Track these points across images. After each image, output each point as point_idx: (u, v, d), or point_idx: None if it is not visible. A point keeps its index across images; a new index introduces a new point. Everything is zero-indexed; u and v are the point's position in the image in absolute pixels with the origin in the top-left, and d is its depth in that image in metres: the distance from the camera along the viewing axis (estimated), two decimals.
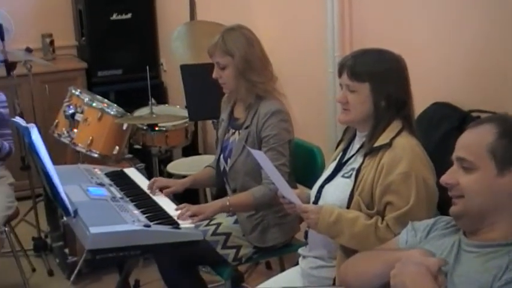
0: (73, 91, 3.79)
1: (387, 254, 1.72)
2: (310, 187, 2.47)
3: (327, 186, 2.25)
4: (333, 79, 3.09)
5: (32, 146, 2.51)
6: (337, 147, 2.37)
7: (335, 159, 2.32)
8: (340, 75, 2.17)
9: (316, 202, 2.27)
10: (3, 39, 3.85)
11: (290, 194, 2.23)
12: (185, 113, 4.06)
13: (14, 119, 2.72)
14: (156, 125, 3.71)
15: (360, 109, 2.15)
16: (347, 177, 2.20)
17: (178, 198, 2.84)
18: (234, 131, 2.81)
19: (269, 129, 2.65)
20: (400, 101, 2.14)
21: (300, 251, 2.42)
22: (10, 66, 3.84)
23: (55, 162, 2.46)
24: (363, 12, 3.00)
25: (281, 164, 2.61)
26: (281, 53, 3.32)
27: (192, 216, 2.52)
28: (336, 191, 2.20)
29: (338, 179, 2.23)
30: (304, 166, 2.86)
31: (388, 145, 2.09)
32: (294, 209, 2.25)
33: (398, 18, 2.82)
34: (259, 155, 2.26)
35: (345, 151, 2.30)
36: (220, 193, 2.92)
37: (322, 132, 3.25)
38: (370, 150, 2.13)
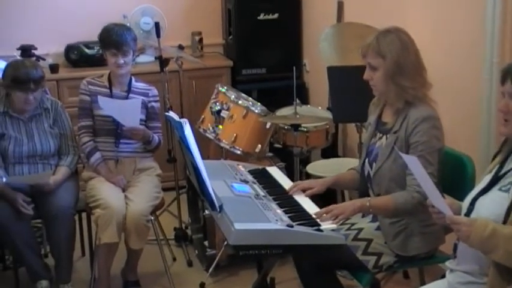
0: (220, 88, 3.88)
1: None
2: (458, 197, 2.36)
3: (481, 199, 2.15)
4: (489, 86, 2.94)
5: (183, 140, 2.60)
6: (493, 159, 2.25)
7: (491, 171, 2.20)
8: (503, 82, 2.06)
9: (468, 214, 2.17)
10: (159, 37, 4.02)
11: (441, 203, 2.14)
12: (327, 114, 4.04)
13: (167, 113, 2.83)
14: (299, 125, 3.72)
15: None
16: (504, 191, 2.08)
17: (316, 197, 2.82)
18: (381, 135, 2.75)
19: (419, 136, 2.57)
20: None
21: (448, 264, 2.33)
22: (163, 62, 4.00)
23: None
24: None
25: (428, 173, 2.50)
26: (432, 57, 3.20)
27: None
28: (491, 205, 2.10)
29: (494, 192, 2.12)
30: (452, 175, 2.75)
31: None
32: (443, 219, 2.16)
33: None
34: (411, 161, 2.19)
35: (502, 163, 2.17)
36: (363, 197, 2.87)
37: (473, 141, 3.11)
38: None
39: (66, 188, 3.47)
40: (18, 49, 4.48)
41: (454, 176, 2.75)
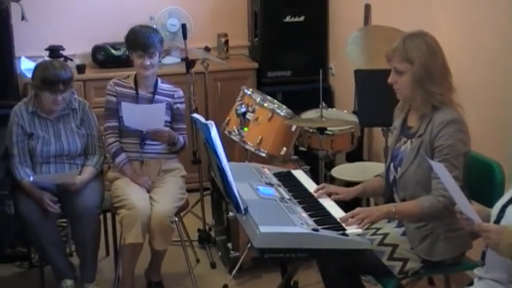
0: (245, 91, 3.89)
1: None
2: (487, 204, 2.33)
3: (511, 207, 2.11)
4: None
5: (209, 142, 2.60)
6: None
7: None
8: None
9: (497, 222, 2.14)
10: (185, 38, 4.03)
11: (469, 210, 2.12)
12: (353, 117, 4.02)
13: (193, 115, 2.83)
14: (325, 128, 3.70)
15: None
16: None
17: (341, 202, 2.81)
18: (405, 139, 2.73)
19: (443, 139, 2.54)
20: None
21: (476, 271, 2.30)
22: (189, 63, 4.01)
23: None
24: None
25: (453, 177, 2.47)
26: (461, 60, 3.17)
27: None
28: None
29: None
30: (480, 181, 2.71)
31: None
32: (471, 226, 2.13)
33: None
34: (439, 168, 2.17)
35: None
36: (389, 203, 2.85)
37: (502, 146, 3.06)
38: None
39: (92, 187, 3.49)
40: (46, 49, 4.52)
41: (483, 182, 2.71)
